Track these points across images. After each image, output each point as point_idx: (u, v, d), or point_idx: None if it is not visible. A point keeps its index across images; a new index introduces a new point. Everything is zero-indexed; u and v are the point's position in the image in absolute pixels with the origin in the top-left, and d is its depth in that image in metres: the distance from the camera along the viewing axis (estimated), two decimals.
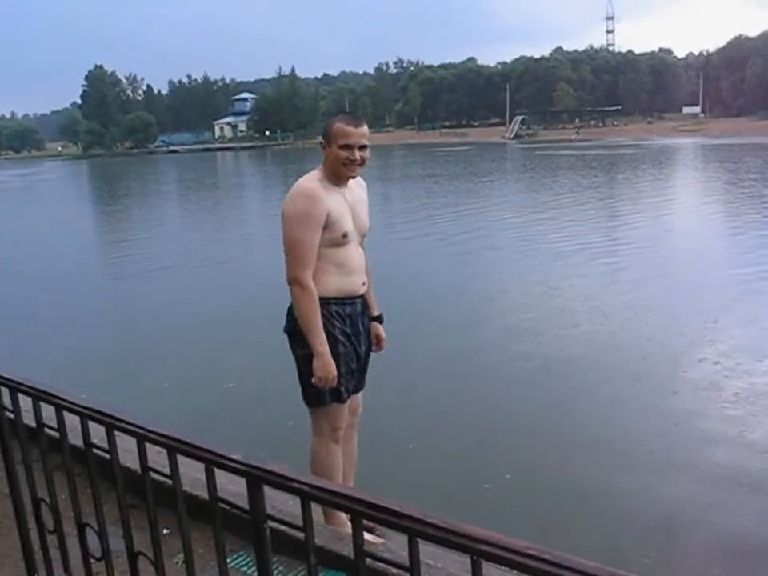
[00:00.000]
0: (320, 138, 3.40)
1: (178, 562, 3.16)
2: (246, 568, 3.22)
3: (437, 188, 32.32)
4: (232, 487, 2.82)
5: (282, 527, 2.47)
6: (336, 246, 3.24)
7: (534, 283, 12.48)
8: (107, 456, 1.86)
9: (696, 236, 17.37)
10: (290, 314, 3.31)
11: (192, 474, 3.25)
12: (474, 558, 1.11)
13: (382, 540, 3.17)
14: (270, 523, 1.52)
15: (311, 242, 3.18)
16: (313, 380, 3.24)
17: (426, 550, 1.24)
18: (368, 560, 1.33)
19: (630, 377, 7.83)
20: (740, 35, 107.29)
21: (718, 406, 6.96)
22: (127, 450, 2.14)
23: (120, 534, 2.02)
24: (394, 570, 2.88)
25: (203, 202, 33.99)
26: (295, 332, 3.28)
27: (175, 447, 1.60)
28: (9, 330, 11.01)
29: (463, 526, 1.10)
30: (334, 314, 3.28)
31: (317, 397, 3.35)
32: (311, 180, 3.28)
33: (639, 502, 5.39)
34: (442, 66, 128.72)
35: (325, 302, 3.24)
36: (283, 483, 1.36)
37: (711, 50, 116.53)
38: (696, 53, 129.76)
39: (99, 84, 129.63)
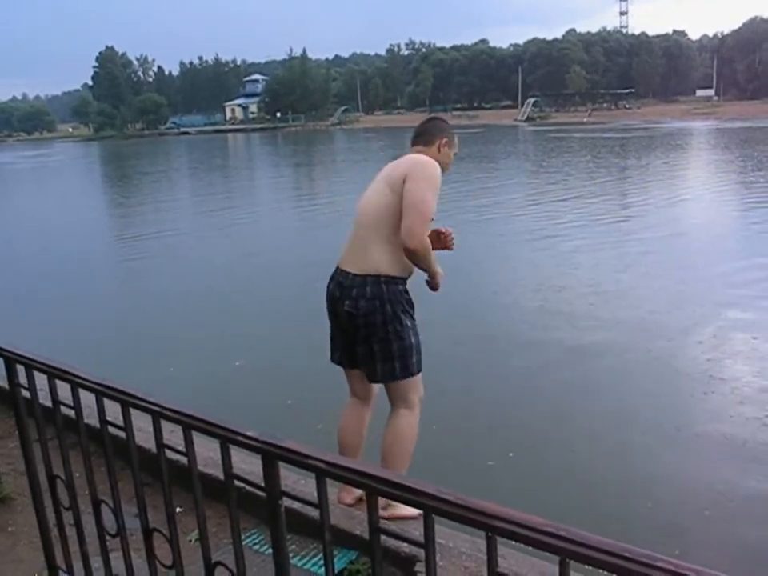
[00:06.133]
0: (443, 138, 3.53)
1: (191, 540, 3.20)
2: (258, 546, 3.25)
3: None
4: (244, 466, 2.85)
5: (294, 506, 2.50)
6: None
7: None
8: (122, 434, 1.87)
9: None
10: (364, 296, 3.26)
11: (204, 453, 3.28)
12: (489, 534, 1.11)
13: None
14: (284, 502, 1.52)
15: (433, 207, 3.25)
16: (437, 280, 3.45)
17: (437, 529, 1.24)
18: (381, 538, 1.34)
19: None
20: (755, 17, 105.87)
21: None
22: (141, 430, 2.15)
23: (134, 511, 2.03)
24: (407, 549, 2.91)
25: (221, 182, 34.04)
26: (379, 309, 3.26)
27: (190, 424, 1.61)
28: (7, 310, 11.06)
29: (479, 503, 1.11)
30: (405, 290, 3.37)
31: (418, 365, 3.42)
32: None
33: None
34: (454, 48, 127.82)
35: (403, 282, 3.35)
36: (299, 460, 1.36)
37: (726, 31, 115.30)
38: (710, 35, 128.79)
39: (110, 65, 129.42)
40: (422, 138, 3.54)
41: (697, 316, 9.24)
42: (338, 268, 3.42)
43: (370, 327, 3.28)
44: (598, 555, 1.00)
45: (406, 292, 3.37)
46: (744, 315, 9.24)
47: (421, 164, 3.31)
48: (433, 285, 3.49)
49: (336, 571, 2.97)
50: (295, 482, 3.34)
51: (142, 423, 1.96)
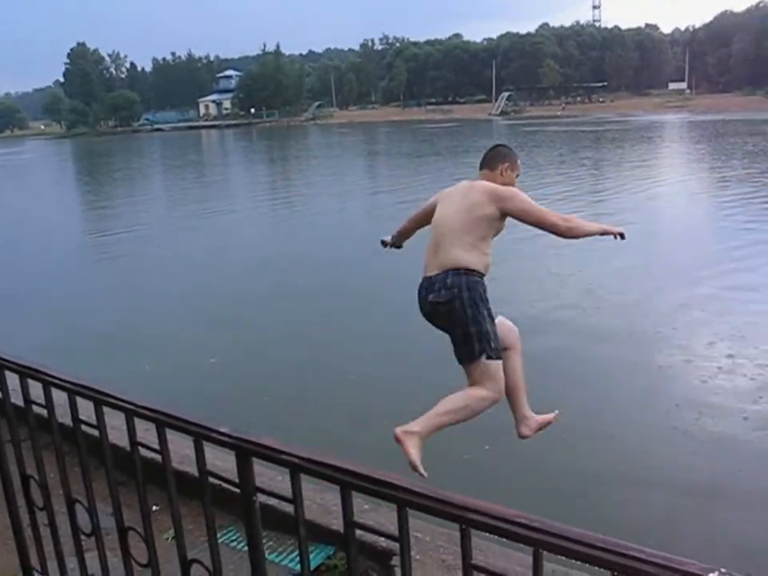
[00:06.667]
0: (505, 163, 3.91)
1: (167, 539, 3.18)
2: (234, 543, 3.24)
3: None
4: (219, 463, 2.83)
5: (270, 502, 2.48)
6: (496, 235, 3.74)
7: None
8: (96, 433, 1.86)
9: None
10: (446, 286, 3.47)
11: (179, 450, 3.26)
12: (463, 526, 1.11)
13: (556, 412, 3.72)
14: (259, 498, 1.52)
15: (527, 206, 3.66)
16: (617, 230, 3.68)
17: (413, 523, 1.24)
18: (357, 532, 1.33)
19: None
20: (726, 11, 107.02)
21: None
22: (115, 428, 2.13)
23: (109, 510, 2.02)
24: (384, 543, 2.92)
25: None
26: (458, 296, 3.45)
27: (164, 421, 1.60)
28: None
29: (452, 496, 1.11)
30: (483, 284, 3.57)
31: (496, 352, 3.51)
32: None
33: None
34: (428, 43, 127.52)
35: (480, 276, 3.55)
36: (272, 455, 1.36)
37: (697, 25, 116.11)
38: (682, 28, 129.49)
39: (82, 62, 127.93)
40: (488, 163, 3.95)
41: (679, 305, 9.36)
42: (422, 278, 3.63)
43: (452, 314, 3.47)
44: (571, 546, 1.01)
45: (484, 288, 3.55)
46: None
47: (497, 187, 3.70)
48: (613, 234, 3.68)
49: (313, 566, 2.97)
50: (272, 478, 3.32)
51: (115, 421, 1.94)
